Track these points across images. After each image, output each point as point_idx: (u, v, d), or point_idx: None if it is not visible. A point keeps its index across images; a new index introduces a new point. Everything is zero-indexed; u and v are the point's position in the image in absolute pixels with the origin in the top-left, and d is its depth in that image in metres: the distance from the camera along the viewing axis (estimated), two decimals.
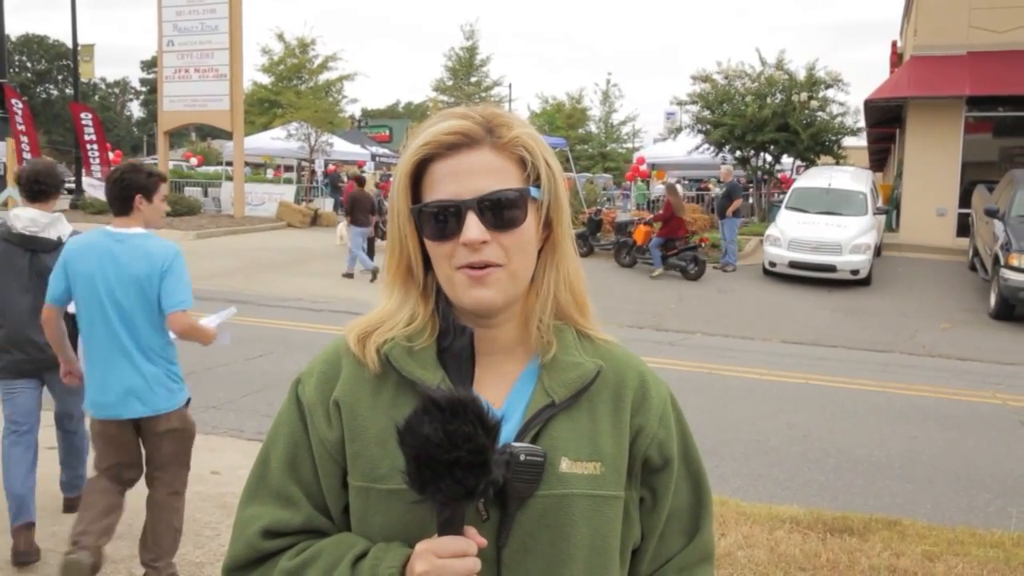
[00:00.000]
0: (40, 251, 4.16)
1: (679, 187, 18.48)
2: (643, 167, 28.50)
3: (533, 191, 1.19)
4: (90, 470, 4.03)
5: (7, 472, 4.19)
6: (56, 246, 4.10)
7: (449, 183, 1.16)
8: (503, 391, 1.23)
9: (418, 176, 1.20)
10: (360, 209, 14.73)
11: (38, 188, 4.17)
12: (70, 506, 4.60)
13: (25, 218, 4.13)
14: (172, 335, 3.70)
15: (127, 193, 3.62)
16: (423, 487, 1.03)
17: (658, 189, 28.19)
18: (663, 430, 1.28)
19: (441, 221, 1.16)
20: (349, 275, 14.71)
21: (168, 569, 3.72)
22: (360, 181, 16.16)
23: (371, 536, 1.17)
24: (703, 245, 16.23)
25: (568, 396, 1.20)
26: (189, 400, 3.82)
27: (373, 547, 1.14)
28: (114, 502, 3.71)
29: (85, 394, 3.71)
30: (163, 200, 3.78)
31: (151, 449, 3.72)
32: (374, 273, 14.34)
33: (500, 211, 1.15)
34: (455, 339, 1.21)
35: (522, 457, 1.13)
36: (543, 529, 1.16)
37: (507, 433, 1.16)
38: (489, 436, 1.03)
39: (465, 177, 1.16)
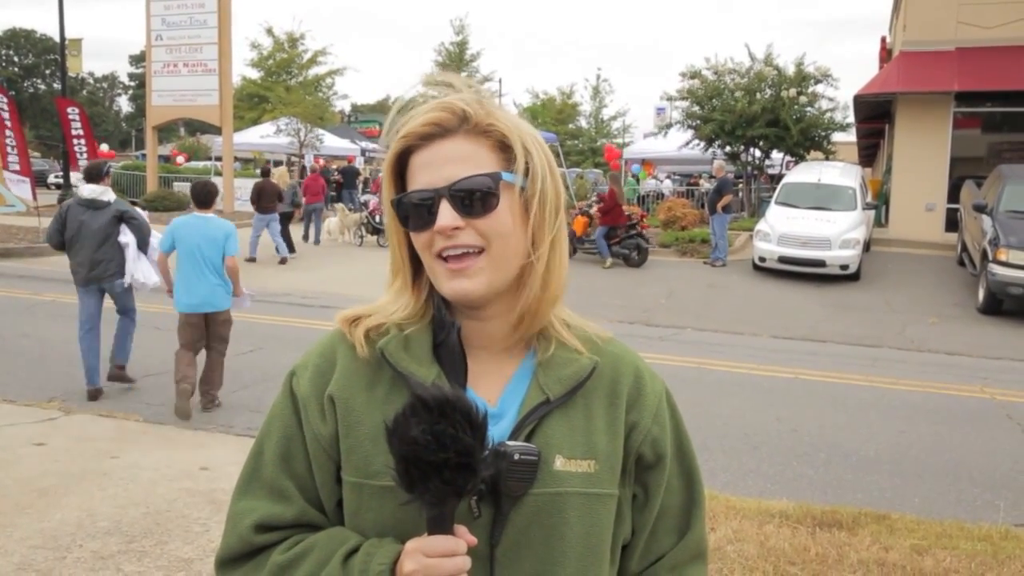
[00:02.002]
0: (98, 209, 7.00)
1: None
2: (618, 160, 28.69)
3: (506, 176, 1.17)
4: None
5: (86, 351, 7.03)
6: (107, 205, 7.01)
7: (424, 173, 1.18)
8: (498, 387, 1.22)
9: (403, 168, 1.22)
10: (265, 198, 15.72)
11: (94, 173, 7.20)
12: (115, 376, 7.21)
13: (88, 189, 7.11)
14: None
15: (210, 197, 6.88)
16: (411, 487, 1.02)
17: (649, 184, 28.23)
18: (657, 427, 1.26)
19: (418, 211, 1.17)
20: (252, 259, 15.52)
21: (217, 398, 6.70)
22: (265, 172, 17.66)
23: (364, 531, 1.17)
24: (644, 232, 16.27)
25: (563, 393, 1.19)
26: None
27: (365, 543, 1.14)
28: (192, 360, 6.64)
29: (176, 299, 6.63)
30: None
31: (213, 330, 6.70)
32: (283, 259, 15.91)
33: (471, 196, 1.15)
34: (448, 334, 1.20)
35: (516, 456, 1.12)
36: (536, 527, 1.15)
37: (502, 431, 1.15)
38: (477, 436, 1.02)
39: (438, 166, 1.17)
